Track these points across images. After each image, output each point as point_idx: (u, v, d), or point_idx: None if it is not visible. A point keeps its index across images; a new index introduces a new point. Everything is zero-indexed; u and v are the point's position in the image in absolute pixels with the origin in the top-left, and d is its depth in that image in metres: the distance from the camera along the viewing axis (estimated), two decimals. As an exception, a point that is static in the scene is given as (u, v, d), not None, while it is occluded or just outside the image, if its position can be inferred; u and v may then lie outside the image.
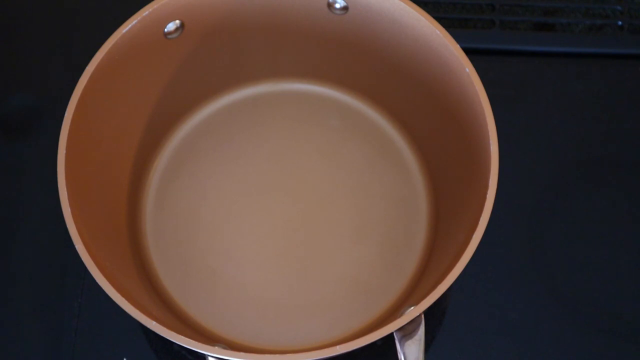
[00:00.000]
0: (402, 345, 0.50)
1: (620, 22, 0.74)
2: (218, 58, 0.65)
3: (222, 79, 0.68)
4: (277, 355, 0.48)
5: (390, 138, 0.67)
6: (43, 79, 0.72)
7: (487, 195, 0.52)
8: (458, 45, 0.56)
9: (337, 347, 0.49)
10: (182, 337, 0.49)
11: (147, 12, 0.57)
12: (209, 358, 0.50)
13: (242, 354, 0.49)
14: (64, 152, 0.53)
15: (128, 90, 0.61)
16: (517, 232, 0.65)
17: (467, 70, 0.55)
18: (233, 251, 0.64)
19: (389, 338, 0.51)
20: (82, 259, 0.51)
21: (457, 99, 0.58)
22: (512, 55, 0.73)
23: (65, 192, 0.52)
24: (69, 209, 0.52)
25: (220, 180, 0.66)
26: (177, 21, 0.60)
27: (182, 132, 0.68)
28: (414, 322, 0.51)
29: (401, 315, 0.51)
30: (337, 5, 0.60)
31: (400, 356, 0.50)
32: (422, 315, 0.51)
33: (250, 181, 0.66)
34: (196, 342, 0.49)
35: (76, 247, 0.51)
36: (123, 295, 0.50)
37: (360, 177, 0.66)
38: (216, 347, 0.50)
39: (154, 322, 0.50)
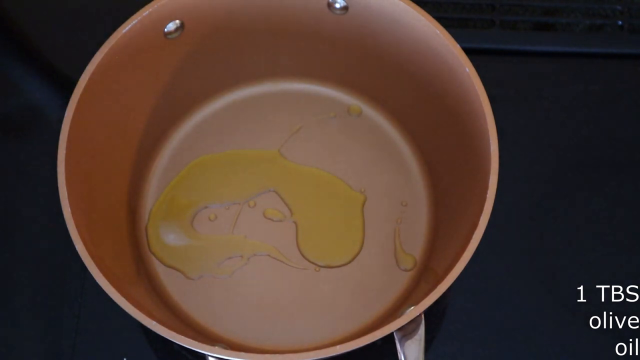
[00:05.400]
0: (402, 345, 0.51)
1: (620, 22, 0.74)
2: (218, 58, 0.65)
3: (222, 79, 0.68)
4: (277, 355, 0.48)
5: (390, 138, 0.67)
6: (43, 79, 0.72)
7: (487, 195, 0.52)
8: (458, 45, 0.56)
9: (337, 347, 0.49)
10: (182, 337, 0.49)
11: (147, 12, 0.57)
12: (209, 358, 0.50)
13: (242, 354, 0.49)
14: (64, 152, 0.53)
15: (128, 90, 0.61)
16: (517, 232, 0.65)
17: (467, 70, 0.55)
18: (233, 251, 0.64)
19: (389, 338, 0.51)
20: (82, 259, 0.51)
21: (457, 98, 0.58)
22: (512, 55, 0.73)
23: (65, 192, 0.52)
24: (69, 209, 0.52)
25: (219, 179, 0.66)
26: (177, 21, 0.60)
27: (182, 132, 0.68)
28: (414, 322, 0.51)
29: (401, 315, 0.51)
30: (337, 5, 0.60)
31: (400, 356, 0.50)
32: (422, 315, 0.51)
33: (250, 181, 0.66)
34: (196, 342, 0.49)
35: (76, 247, 0.51)
36: (123, 295, 0.50)
37: (360, 177, 0.66)
38: (216, 347, 0.50)
39: (154, 322, 0.50)
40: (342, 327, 0.61)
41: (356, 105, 0.68)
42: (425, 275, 0.62)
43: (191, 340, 0.49)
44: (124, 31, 0.57)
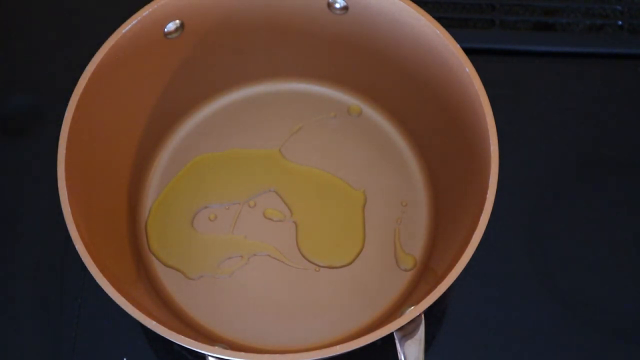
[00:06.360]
0: (402, 345, 0.51)
1: (620, 22, 0.74)
2: (218, 58, 0.65)
3: (222, 79, 0.68)
4: (277, 355, 0.48)
5: (391, 138, 0.67)
6: (43, 79, 0.72)
7: (487, 195, 0.52)
8: (458, 45, 0.56)
9: (337, 347, 0.49)
10: (182, 337, 0.49)
11: (147, 12, 0.58)
12: (209, 358, 0.50)
13: (242, 354, 0.49)
14: (64, 152, 0.53)
15: (128, 90, 0.61)
16: (517, 232, 0.65)
17: (467, 70, 0.55)
18: (233, 251, 0.64)
19: (389, 338, 0.51)
20: (82, 259, 0.51)
21: (457, 99, 0.58)
22: (512, 55, 0.73)
23: (65, 192, 0.52)
24: (69, 209, 0.52)
25: (219, 179, 0.66)
26: (177, 21, 0.60)
27: (182, 132, 0.68)
28: (414, 322, 0.51)
29: (401, 315, 0.51)
30: (337, 5, 0.60)
31: (400, 356, 0.50)
32: (422, 315, 0.51)
33: (250, 181, 0.66)
34: (196, 342, 0.49)
35: (76, 247, 0.51)
36: (123, 295, 0.50)
37: (360, 177, 0.66)
38: (216, 347, 0.50)
39: (154, 322, 0.50)
40: (342, 327, 0.61)
41: (356, 105, 0.68)
42: (425, 275, 0.62)
43: (191, 340, 0.49)
44: (124, 31, 0.57)
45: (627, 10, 0.74)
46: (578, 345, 0.62)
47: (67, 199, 0.52)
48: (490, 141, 0.53)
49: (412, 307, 0.51)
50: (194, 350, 0.50)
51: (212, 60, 0.65)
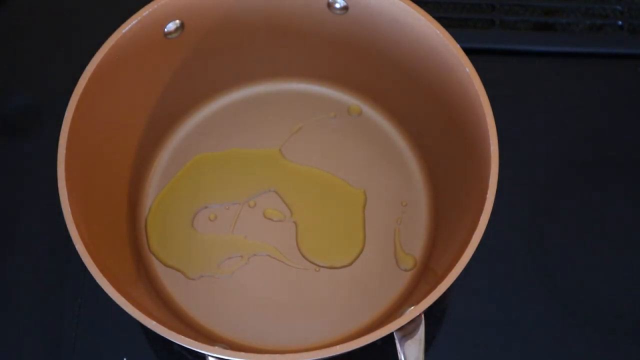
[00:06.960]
0: (402, 345, 0.51)
1: (620, 22, 0.74)
2: (218, 58, 0.65)
3: (222, 79, 0.68)
4: (277, 355, 0.48)
5: (391, 138, 0.67)
6: (43, 79, 0.72)
7: (487, 195, 0.52)
8: (458, 45, 0.56)
9: (337, 347, 0.49)
10: (182, 337, 0.49)
11: (147, 12, 0.58)
12: (209, 358, 0.50)
13: (242, 354, 0.49)
14: (64, 152, 0.53)
15: (128, 90, 0.61)
16: (517, 232, 0.65)
17: (467, 70, 0.55)
18: (233, 251, 0.64)
19: (389, 338, 0.51)
20: (82, 259, 0.51)
21: (457, 99, 0.58)
22: (512, 55, 0.73)
23: (65, 192, 0.52)
24: (69, 209, 0.52)
25: (219, 179, 0.66)
26: (177, 21, 0.60)
27: (182, 132, 0.68)
28: (414, 322, 0.51)
29: (401, 315, 0.51)
30: (337, 5, 0.60)
31: (400, 356, 0.50)
32: (422, 315, 0.51)
33: (250, 181, 0.66)
34: (196, 342, 0.49)
35: (76, 247, 0.51)
36: (123, 295, 0.50)
37: (360, 177, 0.66)
38: (216, 347, 0.50)
39: (154, 322, 0.50)
40: (342, 327, 0.61)
41: (356, 105, 0.68)
42: (425, 275, 0.62)
43: (191, 340, 0.49)
44: (124, 31, 0.57)
45: (627, 10, 0.74)
46: (578, 345, 0.62)
47: (67, 199, 0.52)
48: (490, 141, 0.53)
49: (412, 307, 0.51)
50: (194, 350, 0.50)
51: (212, 60, 0.65)
